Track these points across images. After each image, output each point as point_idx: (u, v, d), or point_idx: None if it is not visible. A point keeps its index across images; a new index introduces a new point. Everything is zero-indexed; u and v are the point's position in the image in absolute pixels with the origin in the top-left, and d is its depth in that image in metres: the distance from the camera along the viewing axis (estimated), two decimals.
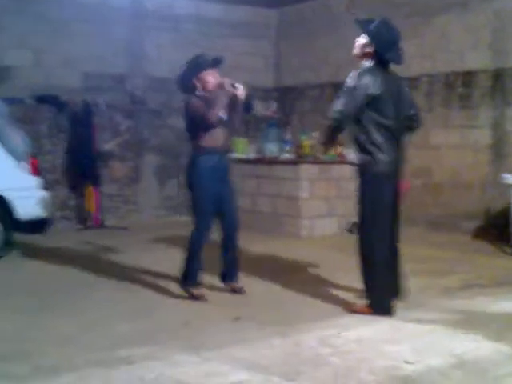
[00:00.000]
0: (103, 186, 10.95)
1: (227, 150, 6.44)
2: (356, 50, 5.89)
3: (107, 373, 4.34)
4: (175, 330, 5.29)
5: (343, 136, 10.20)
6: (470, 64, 9.81)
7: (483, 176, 9.58)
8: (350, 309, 5.78)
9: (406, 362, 4.50)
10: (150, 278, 7.08)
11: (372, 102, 5.62)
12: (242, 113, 6.45)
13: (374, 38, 5.75)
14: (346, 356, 4.65)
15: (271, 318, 5.59)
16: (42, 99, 10.58)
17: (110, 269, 7.57)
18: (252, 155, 10.51)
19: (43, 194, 8.45)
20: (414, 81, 10.01)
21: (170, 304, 6.12)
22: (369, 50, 5.78)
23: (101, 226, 10.72)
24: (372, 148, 5.62)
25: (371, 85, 5.63)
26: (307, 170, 9.89)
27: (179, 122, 11.62)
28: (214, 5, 12.15)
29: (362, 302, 5.75)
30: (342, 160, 10.02)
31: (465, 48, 9.92)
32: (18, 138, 8.29)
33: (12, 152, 8.16)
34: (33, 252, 8.50)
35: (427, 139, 10.09)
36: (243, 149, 10.82)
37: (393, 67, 5.83)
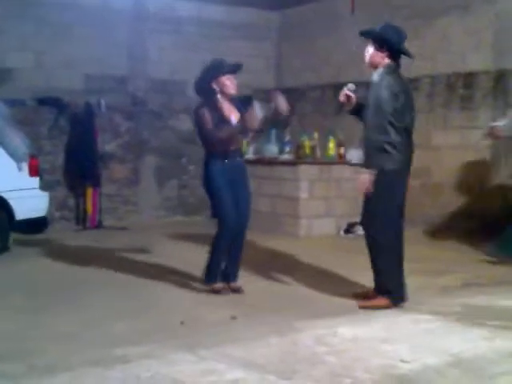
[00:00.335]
0: (103, 187, 10.95)
1: (240, 153, 6.55)
2: (369, 59, 5.91)
3: (103, 372, 4.33)
4: (171, 328, 5.29)
5: (343, 137, 10.40)
6: (472, 65, 9.82)
7: (483, 177, 9.58)
8: (364, 305, 5.83)
9: (402, 361, 4.49)
10: (147, 277, 7.09)
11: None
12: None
13: (384, 38, 5.81)
14: (341, 355, 4.64)
15: (268, 317, 5.59)
16: (43, 101, 10.60)
17: (108, 268, 7.57)
18: (251, 156, 10.51)
19: (42, 194, 8.48)
20: (414, 82, 10.00)
21: (166, 303, 6.13)
22: (382, 54, 5.83)
23: (99, 226, 10.72)
24: (389, 148, 5.67)
25: (395, 85, 5.76)
26: (307, 170, 9.90)
27: (180, 124, 11.75)
28: (215, 7, 12.16)
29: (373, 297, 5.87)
30: (341, 161, 10.05)
31: (466, 49, 9.93)
32: (18, 139, 8.32)
33: (12, 153, 8.18)
34: (31, 251, 8.51)
35: (428, 140, 10.09)
36: (243, 149, 10.82)
37: None
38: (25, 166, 8.34)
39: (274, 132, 10.95)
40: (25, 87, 10.41)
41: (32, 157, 8.54)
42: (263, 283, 6.85)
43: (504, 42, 9.63)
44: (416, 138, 6.11)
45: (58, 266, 7.77)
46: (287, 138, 10.59)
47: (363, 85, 11.20)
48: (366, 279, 6.66)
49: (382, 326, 5.34)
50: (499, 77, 9.68)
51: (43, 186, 8.70)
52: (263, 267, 7.62)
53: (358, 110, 6.03)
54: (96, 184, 10.77)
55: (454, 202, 9.67)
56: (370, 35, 5.88)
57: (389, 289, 5.78)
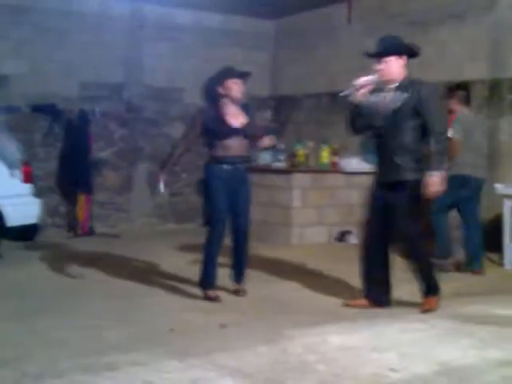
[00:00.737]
0: (95, 194, 10.94)
1: (242, 159, 6.54)
2: (390, 70, 5.90)
3: (92, 379, 4.31)
4: (161, 336, 5.27)
5: (337, 145, 10.41)
6: (467, 74, 9.81)
7: None
8: (426, 309, 5.91)
9: (392, 370, 4.48)
10: (138, 284, 7.10)
11: None
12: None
13: (402, 44, 5.96)
14: (331, 363, 4.63)
15: (258, 325, 5.58)
16: (37, 108, 10.60)
17: (99, 275, 7.57)
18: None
19: (34, 200, 8.48)
20: None
21: (156, 310, 6.12)
22: (402, 62, 5.91)
23: (90, 233, 10.71)
24: (426, 159, 5.84)
25: None
26: (300, 179, 9.90)
27: (175, 131, 11.73)
28: (211, 15, 12.18)
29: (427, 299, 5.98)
30: (335, 169, 10.06)
31: (462, 58, 9.93)
32: (12, 146, 8.32)
33: (5, 159, 8.18)
34: (22, 258, 8.51)
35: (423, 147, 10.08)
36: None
37: None
38: (18, 173, 8.34)
39: None
40: (20, 94, 10.41)
41: (25, 163, 8.54)
42: (254, 291, 6.83)
43: (499, 52, 9.64)
44: None
45: (48, 273, 7.75)
46: (281, 146, 10.59)
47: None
48: (359, 287, 6.69)
49: (371, 334, 5.33)
50: (494, 86, 9.69)
51: (36, 193, 8.69)
52: (255, 275, 7.61)
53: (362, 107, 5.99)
54: (88, 191, 10.75)
55: None
56: (388, 48, 5.90)
57: (437, 286, 6.01)
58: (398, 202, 5.85)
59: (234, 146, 6.44)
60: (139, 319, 5.80)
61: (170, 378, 4.34)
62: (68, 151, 10.78)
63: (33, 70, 10.61)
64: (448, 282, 6.53)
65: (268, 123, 12.39)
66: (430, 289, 6.00)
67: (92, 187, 10.79)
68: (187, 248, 9.08)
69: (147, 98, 11.74)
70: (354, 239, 9.92)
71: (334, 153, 10.35)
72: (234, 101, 6.50)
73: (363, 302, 6.13)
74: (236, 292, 6.68)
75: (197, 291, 6.62)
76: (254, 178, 10.08)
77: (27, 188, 8.45)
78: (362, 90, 5.88)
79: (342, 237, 10.04)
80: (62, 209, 10.98)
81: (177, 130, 11.58)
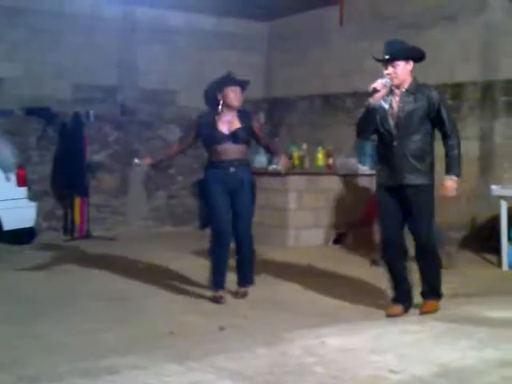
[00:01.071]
0: (91, 197, 10.90)
1: (237, 162, 6.57)
2: (401, 74, 5.86)
3: (91, 382, 4.31)
4: (160, 339, 5.27)
5: (332, 147, 10.42)
6: (460, 76, 9.85)
7: (471, 187, 9.60)
8: (425, 311, 5.92)
9: (391, 372, 4.48)
10: (136, 287, 7.10)
11: None
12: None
13: (412, 48, 6.00)
14: (330, 365, 4.63)
15: (257, 328, 5.59)
16: (31, 111, 10.57)
17: (97, 278, 7.56)
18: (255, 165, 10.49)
19: (30, 204, 8.45)
20: None
21: (155, 313, 6.12)
22: (410, 66, 5.90)
23: (87, 236, 10.67)
24: (434, 163, 5.92)
25: None
26: (295, 181, 9.89)
27: (169, 134, 11.72)
28: (205, 17, 12.18)
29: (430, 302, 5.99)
30: (330, 171, 10.07)
31: (454, 60, 9.96)
32: (6, 149, 8.30)
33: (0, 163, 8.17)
34: (19, 262, 8.47)
35: None
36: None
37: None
38: (12, 176, 8.31)
39: None
40: (13, 97, 10.38)
41: (20, 167, 8.51)
42: (252, 293, 6.82)
43: (492, 54, 9.67)
44: None
45: (45, 277, 7.73)
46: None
47: (350, 96, 11.35)
48: (356, 288, 6.71)
49: (370, 336, 5.34)
50: (487, 88, 9.72)
51: (31, 196, 8.67)
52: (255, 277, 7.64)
53: (375, 110, 5.92)
54: (84, 194, 10.72)
55: (441, 212, 9.65)
56: (398, 52, 5.87)
57: (440, 290, 6.05)
58: (413, 206, 5.85)
59: (227, 150, 6.52)
60: (138, 322, 5.80)
61: (169, 381, 4.33)
62: (62, 154, 10.75)
63: (27, 72, 10.59)
64: (445, 283, 6.52)
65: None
66: (434, 292, 6.02)
67: (87, 190, 10.75)
68: (185, 251, 9.07)
69: (141, 100, 11.73)
70: (350, 241, 9.94)
71: (329, 155, 10.36)
72: (230, 108, 6.56)
73: (399, 309, 6.02)
74: (235, 294, 6.72)
75: (196, 293, 6.69)
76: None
77: (22, 191, 8.42)
78: (378, 94, 5.82)
79: (338, 239, 10.04)
80: (58, 212, 10.95)
81: (171, 133, 11.60)
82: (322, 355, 4.85)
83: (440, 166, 5.99)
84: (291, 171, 10.00)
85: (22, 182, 8.44)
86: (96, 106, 11.03)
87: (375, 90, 5.78)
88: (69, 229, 10.91)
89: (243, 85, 6.68)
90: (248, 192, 6.66)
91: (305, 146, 10.45)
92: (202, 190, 6.63)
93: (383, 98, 5.88)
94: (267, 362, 4.71)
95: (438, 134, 5.93)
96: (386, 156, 5.94)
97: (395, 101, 5.88)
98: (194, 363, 4.65)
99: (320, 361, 4.72)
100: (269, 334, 5.35)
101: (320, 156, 10.35)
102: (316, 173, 10.16)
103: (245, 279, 6.78)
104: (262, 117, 12.81)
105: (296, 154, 10.19)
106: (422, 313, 5.90)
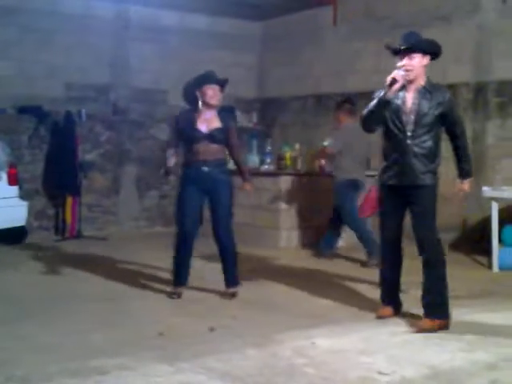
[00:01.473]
0: (83, 197, 10.88)
1: (213, 163, 6.55)
2: (416, 70, 5.63)
3: (80, 383, 4.30)
4: (149, 340, 5.26)
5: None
6: (452, 77, 9.85)
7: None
8: (420, 328, 5.52)
9: (381, 373, 4.49)
10: (126, 288, 7.08)
11: None
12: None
13: (430, 41, 5.77)
14: (320, 367, 4.64)
15: (247, 329, 5.58)
16: (23, 109, 10.55)
17: (87, 279, 7.54)
18: (232, 166, 10.46)
19: (21, 203, 8.42)
20: None
21: (145, 314, 6.11)
22: (426, 61, 5.69)
23: (78, 236, 10.65)
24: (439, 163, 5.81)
25: None
26: (287, 181, 9.87)
27: (161, 133, 11.70)
28: (198, 16, 12.18)
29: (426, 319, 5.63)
30: (322, 172, 10.05)
31: (447, 61, 9.94)
32: None
33: None
34: (9, 261, 8.45)
35: None
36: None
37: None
38: (4, 175, 8.28)
39: (255, 143, 10.97)
40: (5, 95, 10.35)
41: (11, 165, 8.48)
42: (242, 294, 6.83)
43: (484, 55, 9.70)
44: None
45: (35, 277, 7.71)
46: (268, 148, 10.57)
47: (343, 96, 11.36)
48: (347, 289, 6.70)
49: (360, 337, 5.34)
50: (479, 89, 9.75)
51: (22, 195, 8.63)
52: (243, 278, 7.61)
53: (389, 102, 5.69)
54: (76, 193, 10.70)
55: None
56: (416, 45, 5.63)
57: (446, 307, 5.63)
58: (421, 206, 5.68)
59: (204, 150, 6.51)
60: (127, 323, 5.78)
61: (159, 381, 4.33)
62: (54, 153, 10.73)
63: (19, 71, 10.57)
64: None
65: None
66: (435, 308, 5.61)
67: (79, 189, 10.73)
68: None
69: (133, 99, 11.71)
70: (341, 242, 9.92)
71: (322, 156, 10.32)
72: (209, 106, 6.55)
73: (389, 310, 5.94)
74: (223, 295, 6.72)
75: (186, 294, 6.65)
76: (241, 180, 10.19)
77: (13, 190, 8.39)
78: (397, 85, 5.57)
79: None
80: (49, 211, 10.92)
81: (163, 132, 11.57)
82: (312, 356, 4.85)
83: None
84: (283, 171, 10.01)
85: (13, 180, 8.42)
86: (88, 104, 11.02)
87: (394, 81, 5.54)
88: (60, 228, 10.88)
89: (222, 84, 6.64)
90: (225, 192, 6.62)
91: (297, 147, 10.43)
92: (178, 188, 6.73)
93: (405, 94, 5.68)
94: (257, 363, 4.72)
95: (444, 134, 5.83)
96: (395, 154, 5.71)
97: (410, 97, 5.65)
98: (183, 364, 4.65)
99: (310, 362, 4.73)
100: (259, 335, 5.35)
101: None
102: (308, 173, 10.14)
103: (231, 280, 6.76)
104: (254, 117, 12.83)
105: (288, 155, 10.17)
106: (414, 330, 5.53)
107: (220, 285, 6.80)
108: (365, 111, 5.81)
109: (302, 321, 5.84)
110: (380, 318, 5.88)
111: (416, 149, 5.62)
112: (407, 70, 5.59)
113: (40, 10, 10.70)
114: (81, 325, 5.68)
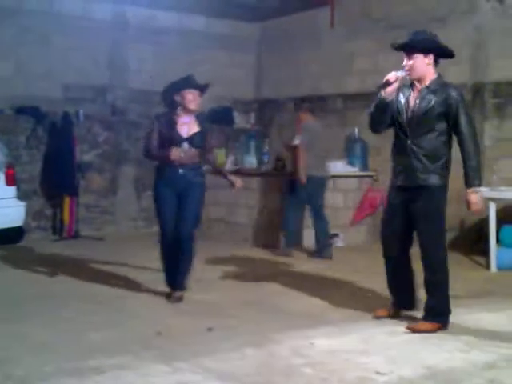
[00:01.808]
0: (80, 197, 10.87)
1: (189, 167, 6.51)
2: (417, 69, 5.57)
3: (78, 382, 4.31)
4: (147, 339, 5.26)
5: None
6: (449, 78, 9.75)
7: (460, 189, 9.59)
8: (414, 328, 5.49)
9: (378, 373, 4.50)
10: (123, 288, 7.08)
11: None
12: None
13: (431, 39, 5.65)
14: (318, 367, 4.64)
15: (244, 329, 5.58)
16: (21, 110, 10.55)
17: (85, 279, 7.53)
18: (229, 166, 10.48)
19: (19, 203, 8.41)
20: None
21: (143, 314, 6.11)
22: (428, 60, 5.58)
23: (76, 236, 10.63)
24: (449, 164, 5.63)
25: None
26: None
27: None
28: (195, 18, 12.18)
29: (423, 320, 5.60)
30: None
31: (444, 62, 9.93)
32: None
33: None
34: (8, 261, 8.45)
35: None
36: (220, 160, 10.84)
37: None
38: (1, 176, 8.27)
39: (253, 143, 10.97)
40: (3, 96, 10.35)
41: (9, 166, 8.47)
42: (240, 294, 6.84)
43: (481, 56, 9.70)
44: None
45: (34, 277, 7.70)
46: (266, 148, 10.58)
47: (341, 97, 11.37)
48: (345, 290, 6.70)
49: (358, 337, 5.34)
50: (476, 90, 9.75)
51: (20, 196, 8.62)
52: (241, 278, 7.64)
53: (388, 104, 5.62)
54: (73, 194, 10.69)
55: None
56: (414, 43, 5.57)
57: (445, 310, 5.58)
58: (423, 208, 5.56)
59: (183, 153, 6.47)
60: (125, 323, 5.78)
61: (157, 381, 4.34)
62: (52, 154, 10.73)
63: (17, 72, 10.57)
64: None
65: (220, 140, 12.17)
66: (432, 311, 5.57)
67: (77, 190, 10.72)
68: None
69: (131, 100, 11.71)
70: (340, 242, 9.94)
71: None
72: (188, 111, 6.53)
73: (386, 310, 5.91)
74: (167, 296, 6.61)
75: (184, 294, 6.62)
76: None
77: (11, 191, 8.37)
78: (390, 87, 5.53)
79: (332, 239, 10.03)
80: (47, 212, 10.92)
81: None
82: (310, 356, 4.86)
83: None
84: (281, 172, 10.01)
85: (11, 181, 8.40)
86: (86, 105, 11.01)
87: (388, 83, 5.52)
88: (57, 228, 10.88)
89: (202, 89, 6.62)
90: (196, 195, 6.59)
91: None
92: (153, 189, 6.71)
93: (402, 92, 5.64)
94: (255, 363, 4.72)
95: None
96: (399, 154, 5.67)
97: (413, 96, 5.60)
98: (181, 364, 4.65)
99: (308, 362, 4.73)
100: (256, 335, 5.35)
101: None
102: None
103: (180, 284, 6.62)
104: (252, 117, 12.83)
105: (286, 155, 10.18)
106: (410, 328, 5.52)
107: (218, 285, 6.78)
108: (367, 114, 5.82)
109: (300, 321, 5.85)
110: (377, 318, 5.87)
111: (416, 149, 5.54)
112: (408, 70, 5.57)
113: (38, 11, 10.70)
114: (79, 324, 5.68)
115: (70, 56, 10.94)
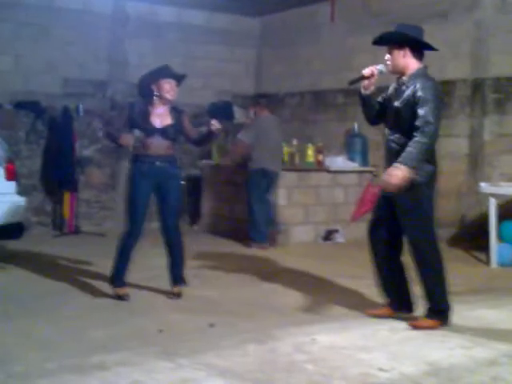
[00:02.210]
0: (80, 192, 10.86)
1: (164, 158, 6.45)
2: (392, 63, 5.51)
3: (80, 379, 4.31)
4: (150, 336, 5.27)
5: (322, 143, 10.43)
6: (450, 73, 9.86)
7: (460, 185, 9.64)
8: (416, 325, 5.48)
9: (381, 370, 4.50)
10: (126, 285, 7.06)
11: None
12: (211, 140, 7.04)
13: (401, 33, 5.51)
14: (320, 363, 4.64)
15: (246, 325, 5.59)
16: (20, 105, 10.53)
17: (87, 275, 7.52)
18: (229, 162, 10.48)
19: (18, 199, 8.37)
20: None
21: (145, 311, 6.10)
22: (403, 52, 5.47)
23: (76, 232, 10.63)
24: (434, 159, 5.45)
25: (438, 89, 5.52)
26: (285, 177, 9.86)
27: None
28: (195, 12, 12.17)
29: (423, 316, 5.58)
30: (320, 168, 10.08)
31: (444, 57, 9.96)
32: None
33: None
34: (9, 258, 8.43)
35: None
36: (220, 155, 10.86)
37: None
38: (1, 171, 8.24)
39: None
40: (2, 91, 10.34)
41: (9, 161, 8.44)
42: (241, 290, 6.84)
43: (482, 51, 9.70)
44: None
45: (34, 273, 7.66)
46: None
47: (341, 92, 11.35)
48: (347, 286, 6.68)
49: (360, 334, 5.35)
50: (477, 85, 9.75)
51: (20, 191, 8.59)
52: (241, 274, 7.63)
53: (368, 98, 5.63)
54: (73, 189, 10.67)
55: None
56: (386, 37, 5.54)
57: (444, 307, 5.52)
58: (402, 207, 5.46)
59: (155, 145, 6.41)
60: (126, 319, 5.78)
61: (159, 378, 4.33)
62: (52, 149, 10.72)
63: (16, 66, 10.56)
64: None
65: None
66: (430, 308, 5.55)
67: (77, 185, 10.71)
68: None
69: (131, 95, 11.66)
70: (340, 238, 9.94)
71: (319, 151, 10.36)
72: (164, 101, 6.46)
73: (385, 310, 5.82)
74: (169, 295, 6.56)
75: (184, 292, 6.59)
76: (240, 177, 10.16)
77: (11, 186, 8.33)
78: (367, 81, 5.53)
79: (328, 236, 10.04)
80: (47, 207, 10.90)
81: None
82: (312, 353, 4.86)
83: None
84: (283, 167, 10.01)
85: (10, 176, 8.35)
86: (86, 100, 10.99)
87: (362, 77, 5.53)
88: (58, 224, 10.87)
89: (179, 78, 6.56)
90: (175, 187, 6.56)
91: (295, 142, 10.45)
92: (127, 183, 6.60)
93: (392, 86, 5.61)
94: (257, 360, 4.72)
95: (442, 130, 5.47)
96: (384, 151, 5.63)
97: (395, 90, 5.56)
98: (183, 360, 4.65)
99: (310, 358, 4.73)
100: (258, 332, 5.35)
101: (310, 152, 10.34)
102: (306, 169, 10.16)
103: (178, 278, 6.60)
104: (252, 112, 12.79)
105: (286, 150, 10.19)
106: (411, 325, 5.53)
107: (218, 282, 6.78)
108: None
109: (301, 317, 5.86)
110: (370, 316, 5.82)
111: (393, 145, 5.48)
112: (388, 64, 5.56)
113: (37, 4, 10.67)
114: (80, 321, 5.68)
115: (69, 50, 10.93)
